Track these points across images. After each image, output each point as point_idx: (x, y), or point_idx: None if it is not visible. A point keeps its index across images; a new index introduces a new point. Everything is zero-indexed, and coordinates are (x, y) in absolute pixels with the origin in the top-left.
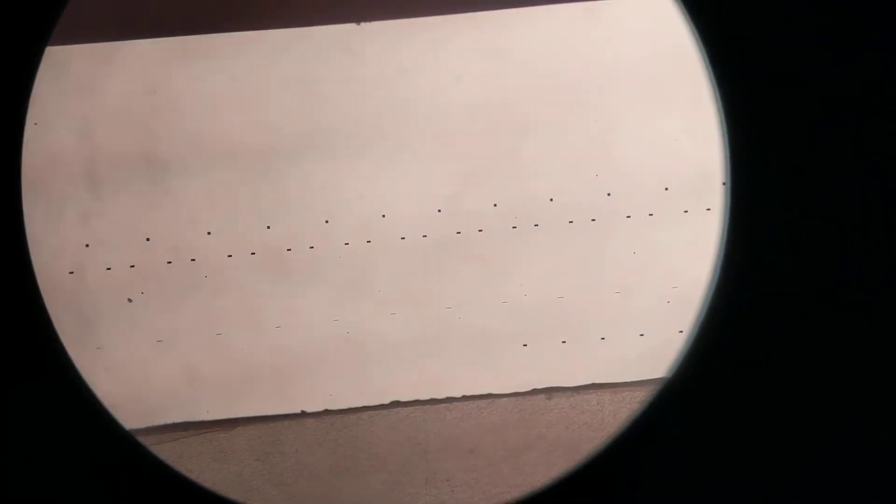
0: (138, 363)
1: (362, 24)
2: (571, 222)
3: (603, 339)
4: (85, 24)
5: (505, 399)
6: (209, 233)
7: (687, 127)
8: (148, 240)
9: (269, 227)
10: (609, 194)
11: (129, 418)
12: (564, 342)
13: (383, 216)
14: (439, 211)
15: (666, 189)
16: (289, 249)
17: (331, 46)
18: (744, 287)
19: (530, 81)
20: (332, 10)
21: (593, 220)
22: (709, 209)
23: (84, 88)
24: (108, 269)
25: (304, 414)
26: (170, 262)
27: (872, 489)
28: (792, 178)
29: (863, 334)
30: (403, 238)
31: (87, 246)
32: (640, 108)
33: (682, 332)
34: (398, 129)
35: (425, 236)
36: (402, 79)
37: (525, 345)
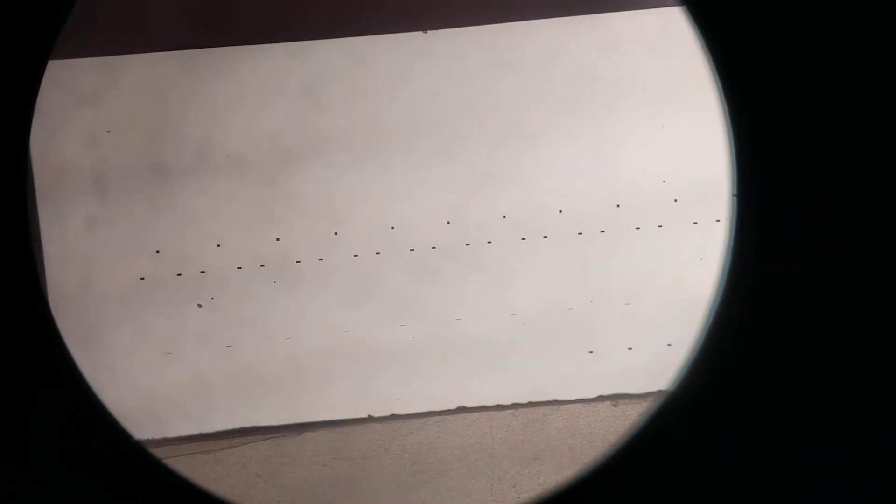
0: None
1: (368, 37)
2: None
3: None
4: (93, 37)
5: (509, 409)
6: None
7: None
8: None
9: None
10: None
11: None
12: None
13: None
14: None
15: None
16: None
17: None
18: (750, 298)
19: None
20: (339, 25)
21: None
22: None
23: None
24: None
25: (370, 418)
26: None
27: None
28: (799, 188)
29: (871, 346)
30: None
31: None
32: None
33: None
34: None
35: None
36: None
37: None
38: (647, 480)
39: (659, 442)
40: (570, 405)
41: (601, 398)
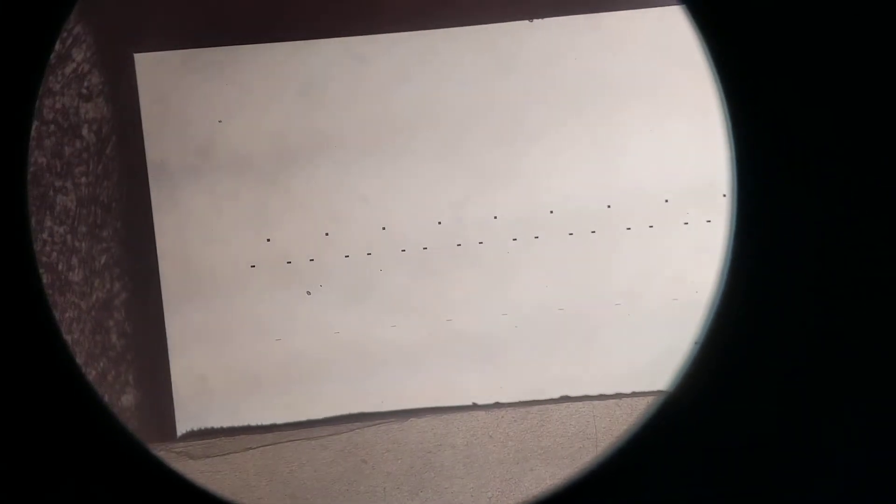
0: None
1: (368, 36)
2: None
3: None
4: (95, 36)
5: (507, 408)
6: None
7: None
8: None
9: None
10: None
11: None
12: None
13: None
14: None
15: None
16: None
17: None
18: (750, 298)
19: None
20: (340, 25)
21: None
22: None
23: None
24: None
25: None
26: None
27: None
28: (799, 188)
29: (872, 345)
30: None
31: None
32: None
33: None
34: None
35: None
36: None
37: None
38: (647, 480)
39: (658, 442)
40: (569, 404)
41: (602, 397)
